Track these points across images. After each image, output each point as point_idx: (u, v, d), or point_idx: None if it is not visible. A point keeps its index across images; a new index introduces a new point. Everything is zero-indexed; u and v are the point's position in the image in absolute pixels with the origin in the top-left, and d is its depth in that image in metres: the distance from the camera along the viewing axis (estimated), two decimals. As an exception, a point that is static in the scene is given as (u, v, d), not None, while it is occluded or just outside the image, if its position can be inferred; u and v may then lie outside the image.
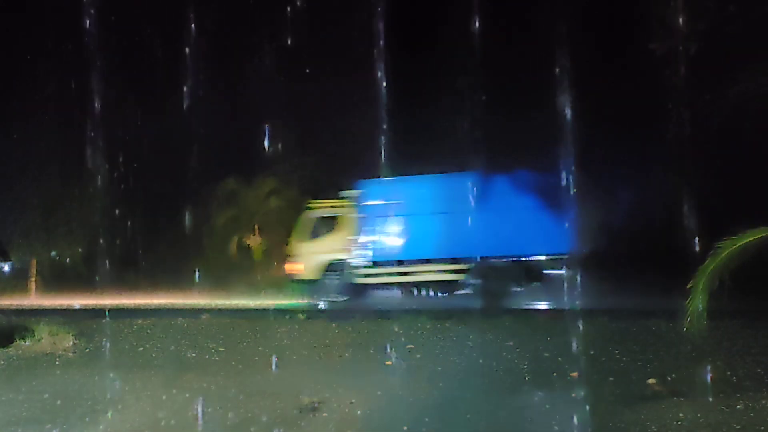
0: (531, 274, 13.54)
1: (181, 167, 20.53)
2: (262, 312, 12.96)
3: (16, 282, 24.08)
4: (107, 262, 20.71)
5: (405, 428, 4.71)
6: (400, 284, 14.04)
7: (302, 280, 14.36)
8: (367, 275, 13.79)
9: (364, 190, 14.12)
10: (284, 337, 8.62)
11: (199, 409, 5.26)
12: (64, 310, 14.02)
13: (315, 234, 14.45)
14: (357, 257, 13.83)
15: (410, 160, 15.70)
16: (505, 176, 13.89)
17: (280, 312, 12.38)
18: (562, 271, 13.54)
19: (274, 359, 7.06)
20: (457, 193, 13.60)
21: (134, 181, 22.09)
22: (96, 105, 18.99)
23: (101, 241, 22.21)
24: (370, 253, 13.78)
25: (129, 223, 21.88)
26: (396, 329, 9.01)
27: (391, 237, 13.81)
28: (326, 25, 20.04)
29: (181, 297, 17.04)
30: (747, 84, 11.26)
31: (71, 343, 8.03)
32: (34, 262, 25.26)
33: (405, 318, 10.21)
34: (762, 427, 4.58)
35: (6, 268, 26.10)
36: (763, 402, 5.08)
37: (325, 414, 5.09)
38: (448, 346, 7.67)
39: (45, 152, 23.58)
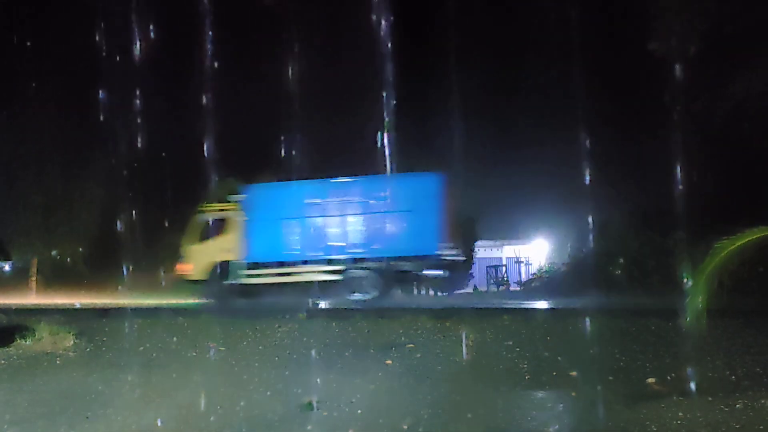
0: (408, 273, 14.39)
1: (177, 167, 20.61)
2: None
3: (16, 281, 24.11)
4: (107, 261, 20.76)
5: (405, 428, 4.73)
6: (282, 284, 14.72)
7: (191, 280, 15.22)
8: (251, 276, 14.54)
9: (250, 193, 15.10)
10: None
11: (200, 408, 5.28)
12: (64, 309, 14.02)
13: (203, 236, 15.30)
14: (242, 259, 14.68)
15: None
16: (381, 180, 14.78)
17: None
18: (441, 272, 14.40)
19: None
20: (335, 197, 14.49)
21: (133, 181, 22.14)
22: (95, 104, 19.06)
23: (100, 240, 22.24)
24: (255, 254, 14.64)
25: (128, 222, 21.91)
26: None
27: (274, 239, 14.62)
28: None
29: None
30: (747, 83, 11.28)
31: (72, 342, 8.03)
32: (35, 261, 25.28)
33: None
34: (761, 427, 4.58)
35: (7, 267, 26.12)
36: (763, 401, 5.08)
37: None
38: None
39: (45, 152, 23.62)
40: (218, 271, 14.82)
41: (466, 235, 17.05)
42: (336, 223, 14.33)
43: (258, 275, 14.59)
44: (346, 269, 14.20)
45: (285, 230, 14.61)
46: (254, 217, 14.71)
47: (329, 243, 14.28)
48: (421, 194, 14.13)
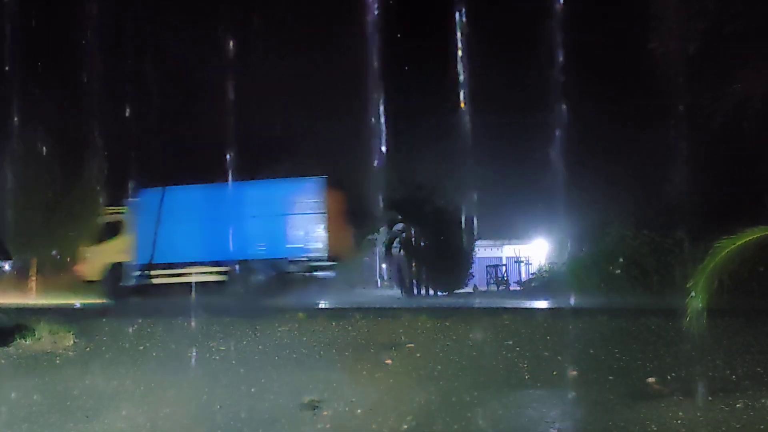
0: (290, 273, 15.04)
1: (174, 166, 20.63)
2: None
3: (16, 280, 24.07)
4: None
5: (405, 427, 4.73)
6: (171, 285, 15.24)
7: (89, 281, 16.07)
8: (143, 277, 15.31)
9: (141, 197, 15.87)
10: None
11: (200, 408, 5.28)
12: (64, 308, 14.02)
13: (101, 238, 16.18)
14: (134, 260, 15.39)
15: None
16: (264, 185, 15.51)
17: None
18: (330, 273, 15.49)
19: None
20: (218, 200, 15.23)
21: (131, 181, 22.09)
22: (94, 105, 19.09)
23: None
24: (146, 256, 15.26)
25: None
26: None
27: (163, 241, 15.17)
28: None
29: None
30: (748, 83, 11.27)
31: (71, 342, 8.04)
32: (34, 260, 25.24)
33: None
34: (761, 426, 4.59)
35: (7, 266, 26.09)
36: (763, 401, 5.09)
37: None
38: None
39: (46, 152, 23.59)
40: (113, 272, 15.67)
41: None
42: (219, 226, 14.89)
43: (150, 276, 15.31)
44: (230, 270, 14.96)
45: (173, 233, 15.15)
46: (145, 220, 15.38)
47: (214, 245, 14.93)
48: (301, 198, 14.94)
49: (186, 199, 15.55)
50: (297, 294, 14.78)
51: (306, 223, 14.69)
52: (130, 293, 15.48)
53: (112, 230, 16.12)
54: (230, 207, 15.03)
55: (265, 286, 14.78)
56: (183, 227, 15.09)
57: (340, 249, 15.31)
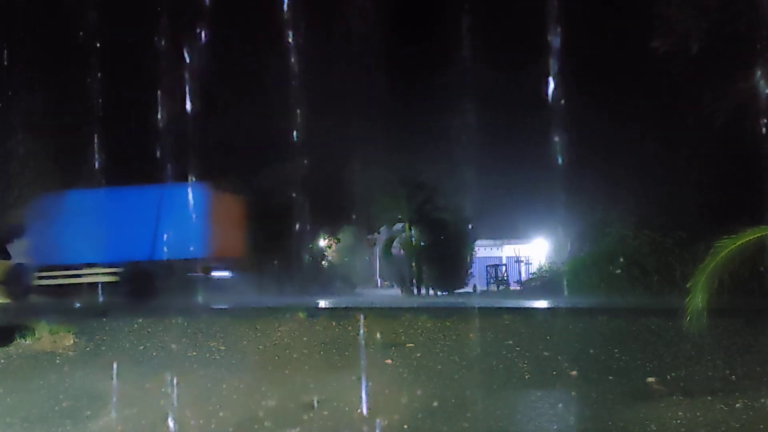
0: (181, 275, 15.74)
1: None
2: None
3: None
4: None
5: (405, 427, 4.73)
6: (68, 286, 16.02)
7: None
8: (42, 278, 15.97)
9: (40, 201, 16.71)
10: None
11: (200, 407, 5.27)
12: (64, 308, 14.03)
13: (4, 239, 16.68)
14: (34, 261, 16.07)
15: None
16: (151, 190, 16.32)
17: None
18: (227, 274, 16.66)
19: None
20: (115, 204, 15.91)
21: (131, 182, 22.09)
22: (93, 106, 19.06)
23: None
24: (44, 257, 15.91)
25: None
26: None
27: (60, 243, 15.74)
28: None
29: None
30: (749, 83, 11.25)
31: (72, 341, 8.04)
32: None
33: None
34: (761, 426, 4.58)
35: (7, 266, 26.06)
36: (763, 401, 5.08)
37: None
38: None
39: (46, 151, 23.58)
40: (15, 272, 16.21)
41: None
42: (112, 228, 15.53)
43: (48, 277, 15.96)
44: (121, 271, 15.71)
45: (70, 235, 15.68)
46: (44, 223, 16.02)
47: (106, 247, 15.57)
48: (186, 203, 15.56)
49: (81, 203, 16.26)
50: (190, 295, 15.24)
51: (196, 226, 15.44)
52: (31, 293, 16.24)
53: (15, 232, 16.75)
54: (123, 210, 15.92)
55: (158, 287, 15.45)
56: (78, 229, 15.71)
57: (234, 252, 16.44)
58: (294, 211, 17.64)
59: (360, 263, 25.52)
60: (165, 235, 15.50)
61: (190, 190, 15.76)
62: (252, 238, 17.36)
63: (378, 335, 8.05)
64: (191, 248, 15.35)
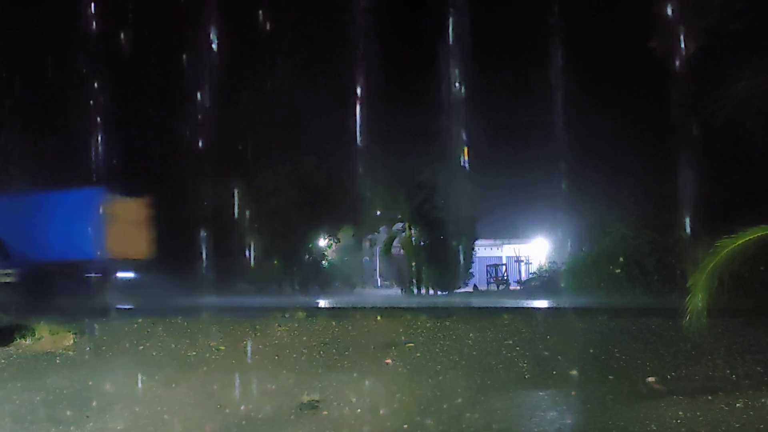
0: (78, 276, 16.32)
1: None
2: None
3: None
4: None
5: (405, 427, 4.72)
6: None
7: None
8: None
9: None
10: None
11: (200, 407, 5.27)
12: (64, 308, 14.03)
13: None
14: None
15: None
16: (49, 194, 16.94)
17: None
18: (131, 274, 17.17)
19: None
20: (15, 208, 16.58)
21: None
22: (93, 106, 19.16)
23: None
24: None
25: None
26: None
27: None
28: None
29: None
30: (749, 83, 11.24)
31: (72, 341, 8.04)
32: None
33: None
34: (761, 426, 4.57)
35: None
36: (763, 400, 5.08)
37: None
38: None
39: (46, 151, 23.58)
40: None
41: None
42: (8, 231, 16.27)
43: None
44: (18, 272, 16.14)
45: None
46: None
47: (3, 249, 16.37)
48: (83, 207, 16.37)
49: None
50: (90, 295, 15.68)
51: (93, 229, 16.05)
52: None
53: None
54: (21, 214, 16.52)
55: (55, 287, 15.91)
56: None
57: (138, 254, 16.85)
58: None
59: (352, 263, 25.12)
60: (62, 238, 16.07)
61: (87, 194, 16.61)
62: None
63: (373, 334, 8.07)
64: (88, 250, 16.00)
